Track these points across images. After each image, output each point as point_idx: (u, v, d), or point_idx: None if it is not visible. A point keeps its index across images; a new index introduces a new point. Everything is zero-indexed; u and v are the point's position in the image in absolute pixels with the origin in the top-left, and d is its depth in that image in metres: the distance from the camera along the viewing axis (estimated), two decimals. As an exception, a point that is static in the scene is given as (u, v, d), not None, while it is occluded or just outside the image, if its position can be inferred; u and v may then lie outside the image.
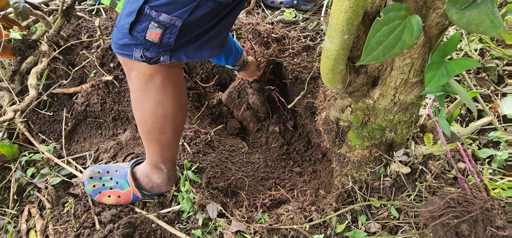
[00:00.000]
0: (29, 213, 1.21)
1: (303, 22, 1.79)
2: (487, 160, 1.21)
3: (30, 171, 1.29)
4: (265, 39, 1.57)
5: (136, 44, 0.77)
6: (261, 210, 1.15)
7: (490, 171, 1.17)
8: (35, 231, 1.13)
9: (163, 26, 0.73)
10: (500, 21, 0.56)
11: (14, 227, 1.19)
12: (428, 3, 0.71)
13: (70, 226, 1.10)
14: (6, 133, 1.38)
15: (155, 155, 1.04)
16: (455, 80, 1.41)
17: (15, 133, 1.39)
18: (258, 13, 1.90)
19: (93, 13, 1.89)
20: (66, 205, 1.17)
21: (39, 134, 1.45)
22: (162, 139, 0.98)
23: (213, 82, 1.67)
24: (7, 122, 1.35)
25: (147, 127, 0.95)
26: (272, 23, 1.76)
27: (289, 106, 1.50)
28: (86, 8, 1.89)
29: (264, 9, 1.92)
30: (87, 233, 1.05)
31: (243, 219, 1.09)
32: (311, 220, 1.08)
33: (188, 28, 0.75)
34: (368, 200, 1.10)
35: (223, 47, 0.89)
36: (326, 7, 1.84)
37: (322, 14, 1.81)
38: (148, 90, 0.86)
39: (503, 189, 1.06)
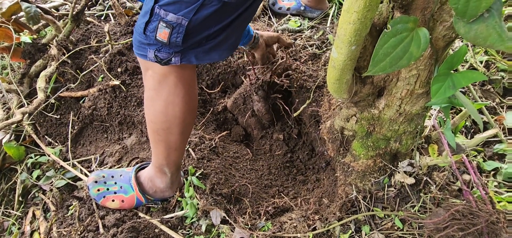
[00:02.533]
0: (34, 215, 1.22)
1: (308, 30, 1.80)
2: (492, 172, 1.20)
3: (36, 173, 1.30)
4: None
5: (150, 44, 0.80)
6: (265, 217, 1.15)
7: (495, 183, 1.16)
8: (39, 234, 1.14)
9: (170, 26, 0.75)
10: (508, 35, 0.56)
11: (19, 228, 1.20)
12: (435, 15, 0.72)
13: (74, 229, 1.10)
14: (13, 135, 1.39)
15: (161, 157, 1.05)
16: (461, 91, 1.41)
17: (22, 135, 1.41)
18: (264, 21, 1.92)
19: (102, 18, 1.91)
20: (70, 208, 1.18)
21: (46, 136, 1.46)
22: (170, 140, 0.99)
23: (218, 89, 1.69)
24: (15, 124, 1.37)
25: (156, 126, 0.97)
26: (277, 31, 1.77)
27: (294, 115, 1.50)
28: (95, 13, 1.92)
29: (271, 16, 1.94)
30: (90, 237, 1.06)
31: (247, 227, 1.09)
32: (314, 229, 1.08)
33: (195, 28, 0.77)
34: (372, 210, 1.10)
35: (233, 50, 0.91)
36: (332, 16, 1.86)
37: (328, 23, 1.82)
38: (160, 89, 0.89)
39: (509, 202, 1.05)
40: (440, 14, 0.72)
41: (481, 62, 1.55)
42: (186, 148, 1.29)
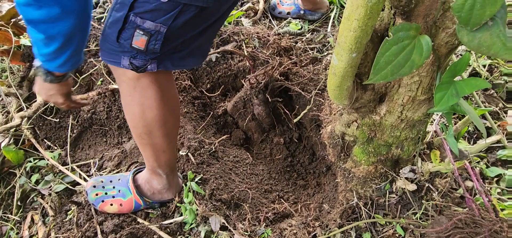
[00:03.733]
0: (32, 219, 1.21)
1: (309, 33, 1.79)
2: (496, 179, 1.19)
3: (35, 177, 1.29)
4: (275, 49, 1.58)
5: (124, 52, 0.79)
6: (264, 224, 1.14)
7: (498, 190, 1.15)
8: (38, 239, 1.13)
9: (148, 33, 0.74)
10: (512, 44, 0.55)
11: (17, 233, 1.19)
12: (438, 22, 0.71)
13: (72, 235, 1.09)
14: (12, 139, 1.39)
15: (151, 160, 1.05)
16: (463, 96, 1.40)
17: (21, 138, 1.40)
18: (265, 24, 1.91)
19: (102, 21, 1.91)
20: (69, 213, 1.17)
21: (45, 140, 1.45)
22: (155, 143, 0.98)
23: (218, 92, 1.68)
24: (14, 128, 1.36)
25: (138, 131, 0.96)
26: (278, 34, 1.76)
27: (294, 121, 1.49)
28: (95, 16, 1.91)
29: (271, 20, 1.93)
30: (89, 243, 1.05)
31: (246, 233, 1.08)
32: (314, 236, 1.06)
33: (173, 35, 0.77)
34: (373, 217, 1.09)
35: (206, 56, 0.92)
36: (333, 19, 1.85)
37: (329, 27, 1.81)
38: (135, 94, 0.87)
39: (512, 210, 1.04)
40: (442, 21, 0.71)
41: (484, 66, 1.54)
42: (185, 153, 1.28)
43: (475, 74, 1.52)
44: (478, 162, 1.23)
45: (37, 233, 1.16)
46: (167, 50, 0.79)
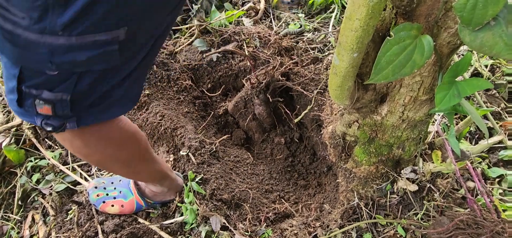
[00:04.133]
0: (33, 219, 1.21)
1: (310, 33, 1.78)
2: (497, 179, 1.18)
3: (35, 176, 1.29)
4: (276, 48, 1.58)
5: (34, 115, 0.66)
6: (265, 224, 1.14)
7: (500, 191, 1.14)
8: (38, 238, 1.13)
9: (51, 102, 0.62)
10: (514, 44, 0.55)
11: (18, 233, 1.19)
12: (439, 22, 0.70)
13: (73, 235, 1.09)
14: (13, 138, 1.39)
15: (142, 179, 1.07)
16: (465, 97, 1.39)
17: (22, 138, 1.40)
18: (266, 24, 1.90)
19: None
20: (69, 212, 1.17)
21: (46, 139, 1.45)
22: (136, 171, 0.97)
23: (219, 92, 1.67)
24: (15, 128, 1.37)
25: (114, 170, 0.95)
26: (278, 34, 1.76)
27: (295, 121, 1.49)
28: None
29: (272, 20, 1.92)
30: (89, 242, 1.05)
31: (247, 233, 1.07)
32: (315, 236, 1.06)
33: (82, 96, 0.65)
34: (374, 218, 1.08)
35: (138, 100, 0.77)
36: (335, 18, 1.84)
37: (330, 27, 1.81)
38: (67, 145, 0.77)
39: (514, 211, 1.03)
40: (444, 21, 0.70)
41: (486, 66, 1.53)
42: (186, 153, 1.28)
43: (477, 74, 1.51)
44: (479, 163, 1.22)
45: (37, 233, 1.16)
46: (82, 108, 0.67)
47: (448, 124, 1.27)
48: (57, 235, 1.12)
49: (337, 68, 0.75)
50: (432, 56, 0.77)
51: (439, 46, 0.74)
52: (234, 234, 1.06)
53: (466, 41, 0.58)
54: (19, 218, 1.23)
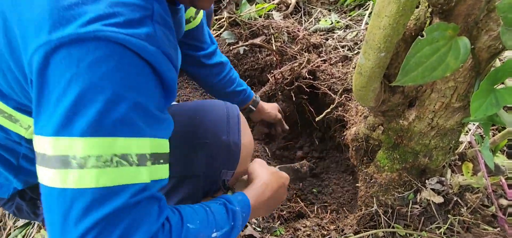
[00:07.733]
0: (43, 222, 1.26)
1: (341, 30, 1.73)
2: (535, 200, 1.08)
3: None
4: (304, 45, 1.55)
5: None
6: (279, 221, 1.12)
7: (537, 213, 1.05)
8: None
9: None
10: None
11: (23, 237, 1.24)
12: (480, 24, 0.65)
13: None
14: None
15: None
16: (504, 106, 1.28)
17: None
18: (296, 19, 1.87)
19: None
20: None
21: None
22: None
23: (243, 84, 1.67)
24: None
25: None
26: (307, 30, 1.72)
27: (317, 119, 1.46)
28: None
29: (302, 15, 1.88)
30: None
31: (259, 228, 1.07)
32: (329, 239, 1.03)
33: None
34: (393, 227, 1.03)
35: None
36: (369, 16, 1.77)
37: (363, 24, 1.74)
38: None
39: (552, 237, 0.94)
40: (486, 22, 0.64)
41: (532, 77, 1.40)
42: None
43: (521, 84, 1.39)
44: (516, 180, 1.13)
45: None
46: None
47: (483, 135, 1.18)
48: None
49: (363, 68, 0.71)
50: (469, 60, 0.71)
51: (478, 49, 0.68)
52: (246, 227, 1.06)
53: (509, 45, 0.53)
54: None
